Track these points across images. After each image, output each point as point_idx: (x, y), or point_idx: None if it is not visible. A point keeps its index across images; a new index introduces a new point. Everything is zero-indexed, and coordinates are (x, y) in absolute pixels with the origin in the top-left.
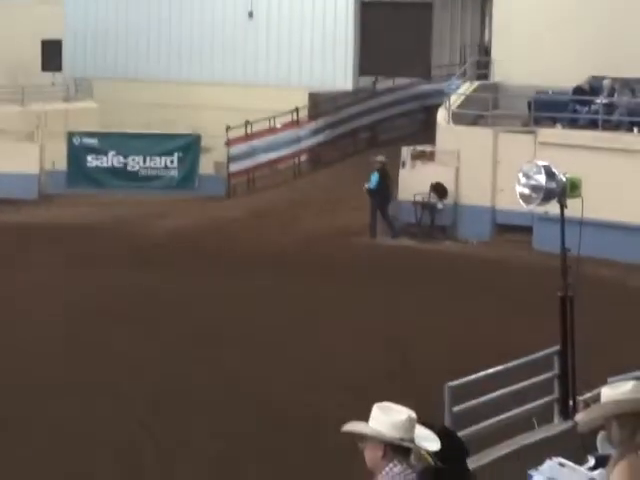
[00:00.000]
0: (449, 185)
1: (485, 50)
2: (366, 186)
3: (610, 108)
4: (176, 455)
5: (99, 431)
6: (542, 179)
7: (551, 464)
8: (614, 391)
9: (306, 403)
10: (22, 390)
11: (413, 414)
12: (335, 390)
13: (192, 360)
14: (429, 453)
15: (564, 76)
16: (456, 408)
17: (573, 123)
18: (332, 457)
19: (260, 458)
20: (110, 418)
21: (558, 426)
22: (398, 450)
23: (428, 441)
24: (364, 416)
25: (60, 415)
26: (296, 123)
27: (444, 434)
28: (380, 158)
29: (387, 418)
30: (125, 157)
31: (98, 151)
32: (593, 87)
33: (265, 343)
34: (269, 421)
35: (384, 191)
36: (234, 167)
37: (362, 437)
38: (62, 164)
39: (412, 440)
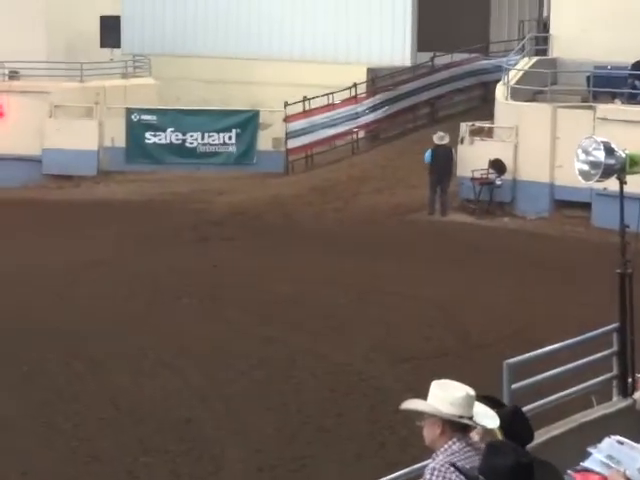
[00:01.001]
0: (508, 161)
1: (544, 25)
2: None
3: None
4: (240, 427)
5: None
6: (601, 155)
7: (610, 442)
8: None
9: (365, 377)
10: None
11: (472, 391)
12: (393, 365)
13: (256, 338)
14: (499, 429)
15: (623, 51)
16: (514, 385)
17: (632, 98)
18: (390, 431)
19: (318, 430)
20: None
21: (617, 404)
22: (457, 427)
23: (487, 418)
24: (422, 392)
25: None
26: (354, 99)
27: (512, 412)
28: (437, 135)
29: (445, 395)
30: (183, 133)
31: (156, 127)
32: None
33: (324, 318)
34: (327, 394)
35: (438, 168)
36: (292, 143)
37: (420, 414)
38: (121, 140)
39: (471, 417)
